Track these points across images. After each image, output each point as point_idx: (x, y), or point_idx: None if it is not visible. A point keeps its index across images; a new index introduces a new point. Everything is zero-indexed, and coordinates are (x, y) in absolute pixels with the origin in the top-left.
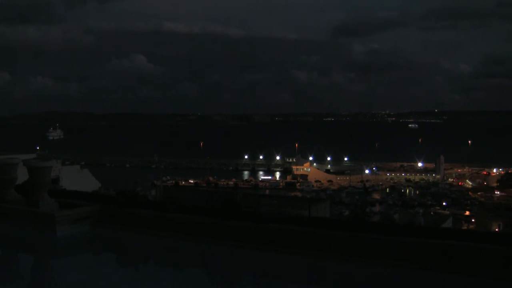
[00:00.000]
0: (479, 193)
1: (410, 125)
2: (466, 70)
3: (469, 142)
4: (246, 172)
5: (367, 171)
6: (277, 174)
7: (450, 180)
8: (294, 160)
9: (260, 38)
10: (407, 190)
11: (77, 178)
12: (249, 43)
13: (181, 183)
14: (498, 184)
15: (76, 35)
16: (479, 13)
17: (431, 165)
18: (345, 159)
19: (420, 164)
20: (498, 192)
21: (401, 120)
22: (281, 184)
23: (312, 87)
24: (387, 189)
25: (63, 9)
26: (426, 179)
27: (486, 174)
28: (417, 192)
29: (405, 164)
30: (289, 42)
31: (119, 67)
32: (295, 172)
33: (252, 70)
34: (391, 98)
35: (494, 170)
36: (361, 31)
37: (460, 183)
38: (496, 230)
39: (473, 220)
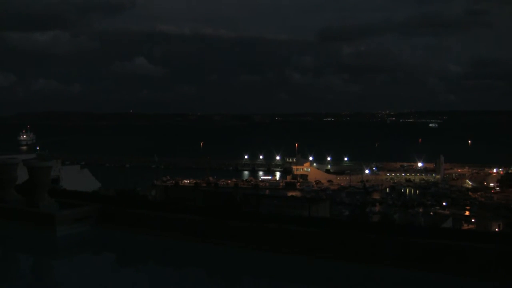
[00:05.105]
0: (479, 193)
1: (430, 125)
2: (457, 72)
3: (469, 142)
4: (246, 172)
5: (367, 171)
6: (277, 174)
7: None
8: (294, 160)
9: (252, 39)
10: (407, 190)
11: (77, 178)
12: (242, 44)
13: (181, 183)
14: (498, 184)
15: (83, 40)
16: (452, 21)
17: (431, 165)
18: (345, 159)
19: (420, 164)
20: (493, 190)
21: (401, 120)
22: (281, 184)
23: (310, 87)
24: (387, 189)
25: (74, 16)
26: (426, 179)
27: (496, 174)
28: (417, 192)
29: (405, 164)
30: (280, 43)
31: (120, 68)
32: (295, 172)
33: (249, 71)
34: (387, 99)
35: (494, 170)
36: (346, 35)
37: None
38: (496, 230)
39: (473, 220)
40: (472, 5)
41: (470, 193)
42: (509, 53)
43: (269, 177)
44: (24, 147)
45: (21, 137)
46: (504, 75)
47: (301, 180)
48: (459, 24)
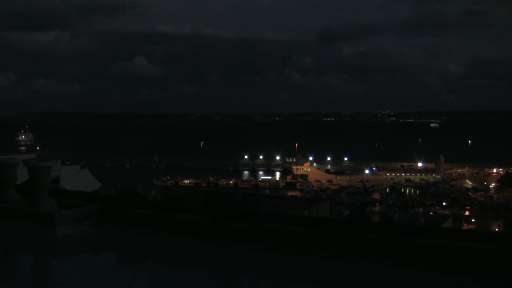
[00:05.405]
0: (479, 193)
1: (431, 125)
2: (457, 72)
3: (469, 142)
4: (246, 172)
5: (367, 171)
6: (277, 174)
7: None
8: (294, 160)
9: (252, 39)
10: (407, 190)
11: (77, 178)
12: (242, 44)
13: (182, 182)
14: (498, 184)
15: (83, 40)
16: (451, 21)
17: (431, 165)
18: (345, 159)
19: (420, 164)
20: (492, 188)
21: (401, 120)
22: (281, 184)
23: (310, 87)
24: (387, 189)
25: (74, 17)
26: (426, 179)
27: (496, 174)
28: (417, 192)
29: (405, 164)
30: (280, 43)
31: (120, 68)
32: (295, 172)
33: (249, 71)
34: (387, 99)
35: (494, 170)
36: (346, 35)
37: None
38: (496, 230)
39: (473, 220)
40: (471, 6)
41: (470, 193)
42: (508, 53)
43: (269, 177)
44: (23, 148)
45: (20, 138)
46: (504, 75)
47: (301, 180)
48: (458, 24)
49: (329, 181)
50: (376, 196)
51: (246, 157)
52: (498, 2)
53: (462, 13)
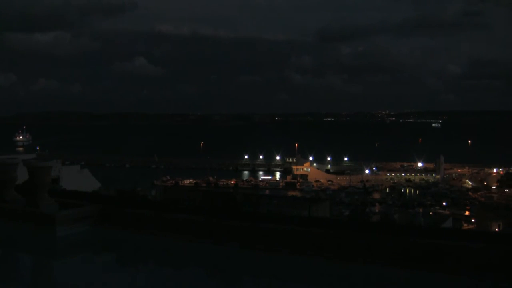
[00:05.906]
0: (479, 193)
1: (433, 124)
2: (456, 72)
3: (469, 142)
4: (246, 172)
5: (367, 171)
6: (277, 174)
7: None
8: (294, 160)
9: (252, 39)
10: (407, 190)
11: (77, 178)
12: (242, 44)
13: (182, 183)
14: (498, 184)
15: (83, 40)
16: (450, 22)
17: (431, 165)
18: (345, 159)
19: (420, 164)
20: (494, 189)
21: (401, 120)
22: (281, 184)
23: (310, 87)
24: (387, 189)
25: (75, 17)
26: (426, 179)
27: (496, 174)
28: (417, 192)
29: (405, 164)
30: (280, 43)
31: (120, 68)
32: (295, 172)
33: (249, 71)
34: (387, 99)
35: (494, 170)
36: (345, 35)
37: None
38: (496, 230)
39: (473, 220)
40: (468, 7)
41: (470, 193)
42: (506, 53)
43: (269, 177)
44: (21, 148)
45: (17, 138)
46: (502, 75)
47: (301, 180)
48: (456, 25)
49: (329, 181)
50: (376, 196)
51: (246, 157)
52: (496, 3)
53: (460, 14)
